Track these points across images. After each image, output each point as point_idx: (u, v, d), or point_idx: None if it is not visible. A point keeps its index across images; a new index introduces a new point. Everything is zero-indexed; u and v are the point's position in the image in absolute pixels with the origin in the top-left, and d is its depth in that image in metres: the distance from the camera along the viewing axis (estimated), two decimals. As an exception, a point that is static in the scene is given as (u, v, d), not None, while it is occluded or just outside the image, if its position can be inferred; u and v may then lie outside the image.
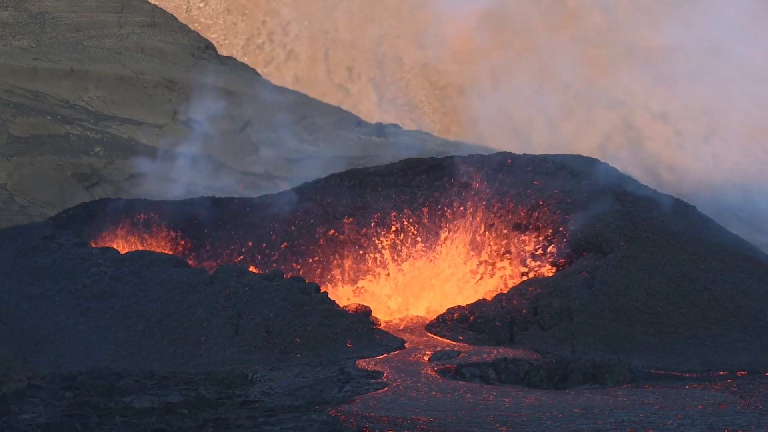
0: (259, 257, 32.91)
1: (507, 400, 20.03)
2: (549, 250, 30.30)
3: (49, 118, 59.42)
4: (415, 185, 33.72)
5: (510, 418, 17.97)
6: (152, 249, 32.37)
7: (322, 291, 28.25)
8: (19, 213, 52.79)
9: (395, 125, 71.66)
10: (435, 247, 33.04)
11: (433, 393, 20.64)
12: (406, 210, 33.41)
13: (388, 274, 32.66)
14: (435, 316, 29.16)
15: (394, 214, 33.32)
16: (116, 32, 67.88)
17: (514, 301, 27.99)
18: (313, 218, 33.55)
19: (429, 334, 27.89)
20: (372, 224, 33.26)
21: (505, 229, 32.18)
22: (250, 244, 33.11)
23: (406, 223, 33.24)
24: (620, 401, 19.96)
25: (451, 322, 28.09)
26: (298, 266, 32.72)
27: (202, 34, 77.22)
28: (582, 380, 23.02)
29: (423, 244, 33.09)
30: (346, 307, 28.69)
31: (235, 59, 75.29)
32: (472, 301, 29.79)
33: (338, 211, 33.63)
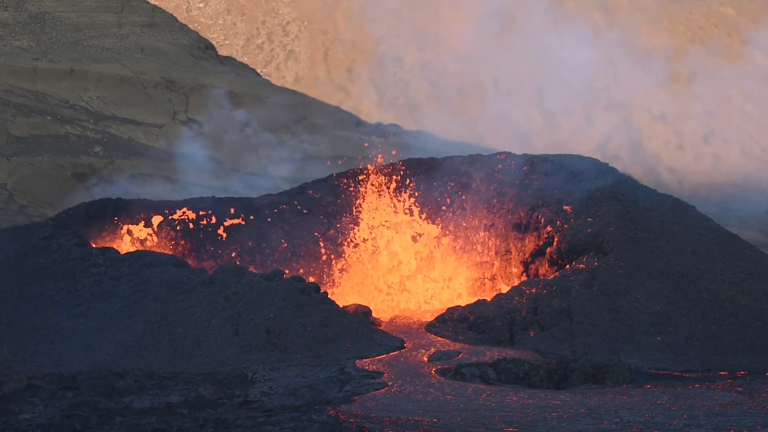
0: (259, 257, 32.90)
1: (510, 400, 20.02)
2: (549, 250, 30.30)
3: (49, 118, 59.41)
4: (415, 185, 33.73)
5: (515, 418, 17.94)
6: (152, 249, 32.36)
7: (321, 291, 28.24)
8: (19, 213, 52.79)
9: (395, 125, 71.66)
10: (435, 247, 33.05)
11: (434, 393, 20.64)
12: (405, 210, 33.42)
13: (389, 274, 32.65)
14: (435, 317, 29.15)
15: (393, 214, 33.33)
16: (116, 32, 67.90)
17: (514, 301, 27.99)
18: (313, 218, 33.54)
19: (429, 334, 27.87)
20: (372, 224, 33.26)
21: (504, 229, 32.18)
22: (250, 244, 33.10)
23: (406, 223, 33.24)
24: (625, 401, 19.94)
25: (450, 322, 28.07)
26: (298, 266, 32.72)
27: (202, 34, 77.27)
28: (582, 380, 23.01)
29: (423, 244, 33.09)
30: (346, 307, 28.68)
31: (234, 59, 75.33)
32: (471, 301, 29.79)
33: (338, 211, 33.64)
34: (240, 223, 33.37)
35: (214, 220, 33.34)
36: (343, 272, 32.80)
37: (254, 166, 60.37)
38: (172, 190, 52.93)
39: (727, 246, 29.63)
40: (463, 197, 33.26)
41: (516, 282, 30.69)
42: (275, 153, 61.34)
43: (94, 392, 20.79)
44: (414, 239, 33.13)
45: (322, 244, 33.12)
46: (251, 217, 33.43)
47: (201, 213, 33.48)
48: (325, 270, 32.88)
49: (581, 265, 28.37)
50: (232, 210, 33.64)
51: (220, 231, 33.28)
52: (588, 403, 19.60)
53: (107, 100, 62.50)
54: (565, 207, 30.59)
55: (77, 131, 59.15)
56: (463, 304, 29.41)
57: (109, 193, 51.49)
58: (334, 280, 32.65)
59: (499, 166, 33.40)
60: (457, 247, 32.86)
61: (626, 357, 24.50)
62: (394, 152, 35.96)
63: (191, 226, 33.29)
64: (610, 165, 33.35)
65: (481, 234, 32.66)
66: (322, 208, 33.79)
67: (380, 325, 28.68)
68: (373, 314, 29.54)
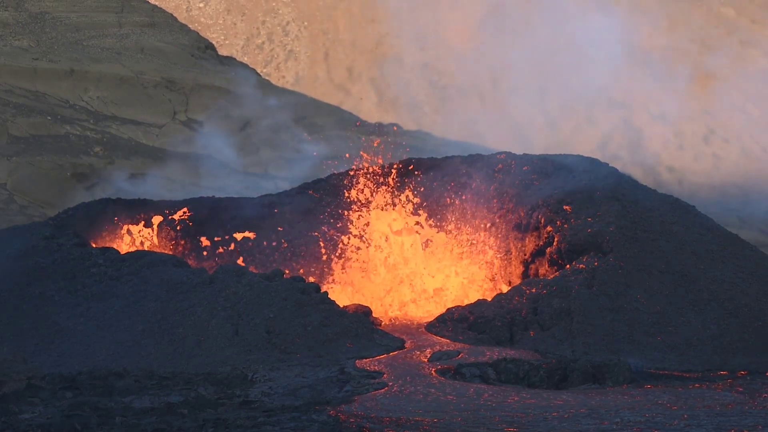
0: (259, 257, 32.90)
1: (510, 400, 20.01)
2: (549, 250, 30.30)
3: (49, 118, 59.41)
4: (415, 185, 33.73)
5: (516, 418, 17.93)
6: (152, 249, 32.36)
7: (322, 291, 28.24)
8: (19, 213, 52.80)
9: (395, 125, 71.68)
10: (434, 248, 33.04)
11: (434, 393, 20.64)
12: (406, 210, 33.43)
13: (389, 274, 32.65)
14: (435, 317, 29.15)
15: (394, 213, 33.33)
16: (116, 32, 67.89)
17: (514, 301, 27.99)
18: (313, 218, 33.54)
19: (429, 334, 27.87)
20: (372, 224, 33.26)
21: (504, 229, 32.18)
22: (250, 244, 33.10)
23: (406, 223, 33.24)
24: (626, 401, 19.94)
25: (450, 322, 28.07)
26: (298, 266, 32.71)
27: (202, 34, 77.24)
28: (582, 380, 23.01)
29: (423, 244, 33.09)
30: (346, 307, 28.68)
31: (235, 59, 75.30)
32: (471, 301, 29.78)
33: (338, 211, 33.64)
34: (240, 223, 33.37)
35: (214, 220, 33.35)
36: (343, 272, 32.80)
37: (255, 167, 60.39)
38: (173, 190, 52.95)
39: (727, 246, 29.63)
40: (463, 197, 33.26)
41: (516, 282, 30.68)
42: (275, 153, 61.37)
43: (94, 392, 20.80)
44: (413, 239, 33.11)
45: (322, 244, 33.11)
46: (251, 217, 33.43)
47: (201, 213, 33.49)
48: (325, 270, 32.87)
49: (581, 265, 28.37)
50: (232, 210, 33.65)
51: (220, 231, 33.28)
52: (588, 403, 19.60)
53: (107, 100, 62.50)
54: (565, 207, 30.59)
55: (77, 131, 59.15)
56: (462, 304, 29.41)
57: (109, 193, 51.50)
58: (334, 280, 32.65)
59: (499, 166, 33.40)
60: (457, 247, 32.85)
61: (626, 357, 24.50)
62: (393, 152, 35.95)
63: (191, 226, 33.29)
64: (610, 165, 33.35)
65: (482, 234, 32.66)
66: (322, 208, 33.79)
67: (380, 325, 28.68)
68: (373, 314, 29.53)
